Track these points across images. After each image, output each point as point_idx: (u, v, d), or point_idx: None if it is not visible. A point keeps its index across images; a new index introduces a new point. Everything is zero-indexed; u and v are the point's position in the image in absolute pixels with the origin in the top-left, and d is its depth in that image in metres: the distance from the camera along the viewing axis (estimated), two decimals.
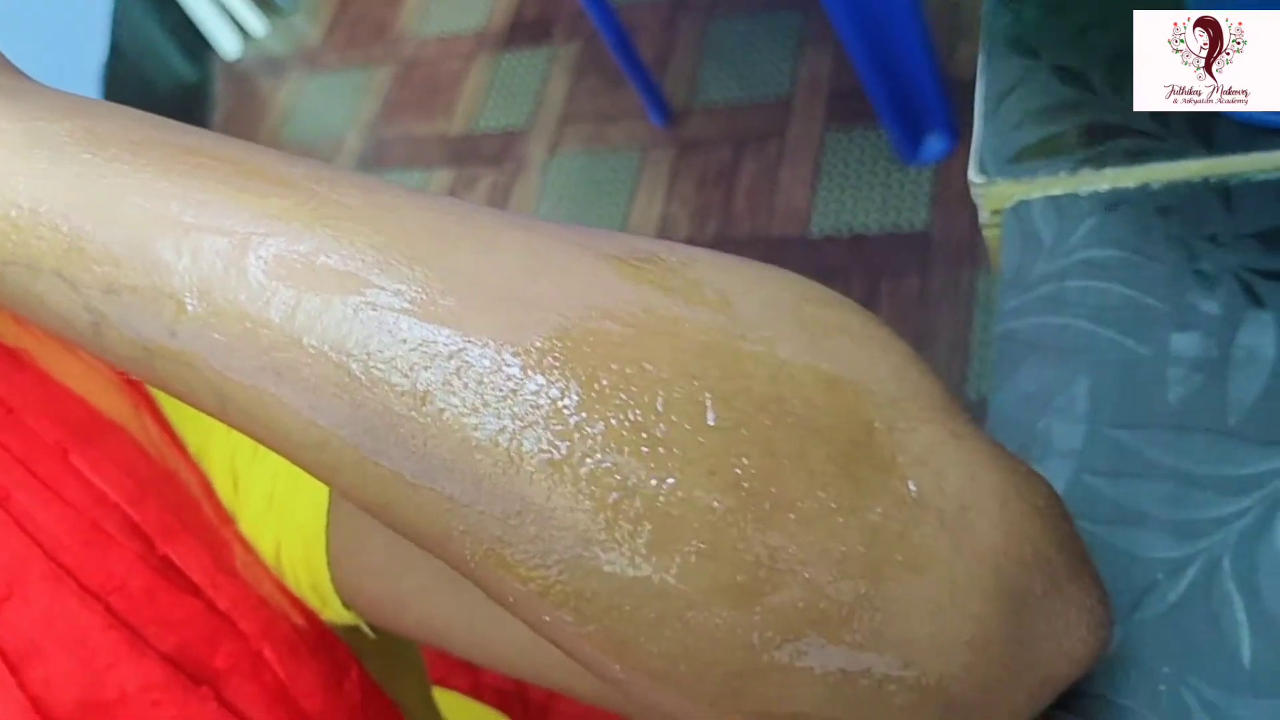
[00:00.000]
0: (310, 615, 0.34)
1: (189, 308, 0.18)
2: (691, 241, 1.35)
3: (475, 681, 0.56)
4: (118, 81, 1.66)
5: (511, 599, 0.19)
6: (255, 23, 1.91)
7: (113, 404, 0.32)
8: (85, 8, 1.66)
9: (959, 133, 1.21)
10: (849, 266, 1.22)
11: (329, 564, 0.33)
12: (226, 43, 1.89)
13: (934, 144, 1.23)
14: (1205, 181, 0.33)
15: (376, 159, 1.64)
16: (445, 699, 0.51)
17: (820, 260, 1.24)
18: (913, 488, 0.19)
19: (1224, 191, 0.33)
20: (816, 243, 1.26)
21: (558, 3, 1.65)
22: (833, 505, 0.18)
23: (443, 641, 0.32)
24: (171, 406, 0.34)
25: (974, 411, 0.32)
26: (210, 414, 0.20)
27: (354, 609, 0.34)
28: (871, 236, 1.23)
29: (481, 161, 1.55)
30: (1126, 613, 0.28)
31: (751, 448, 0.18)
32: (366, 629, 0.35)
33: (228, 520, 0.33)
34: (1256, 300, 0.30)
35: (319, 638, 0.34)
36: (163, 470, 0.32)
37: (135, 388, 0.33)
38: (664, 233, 1.35)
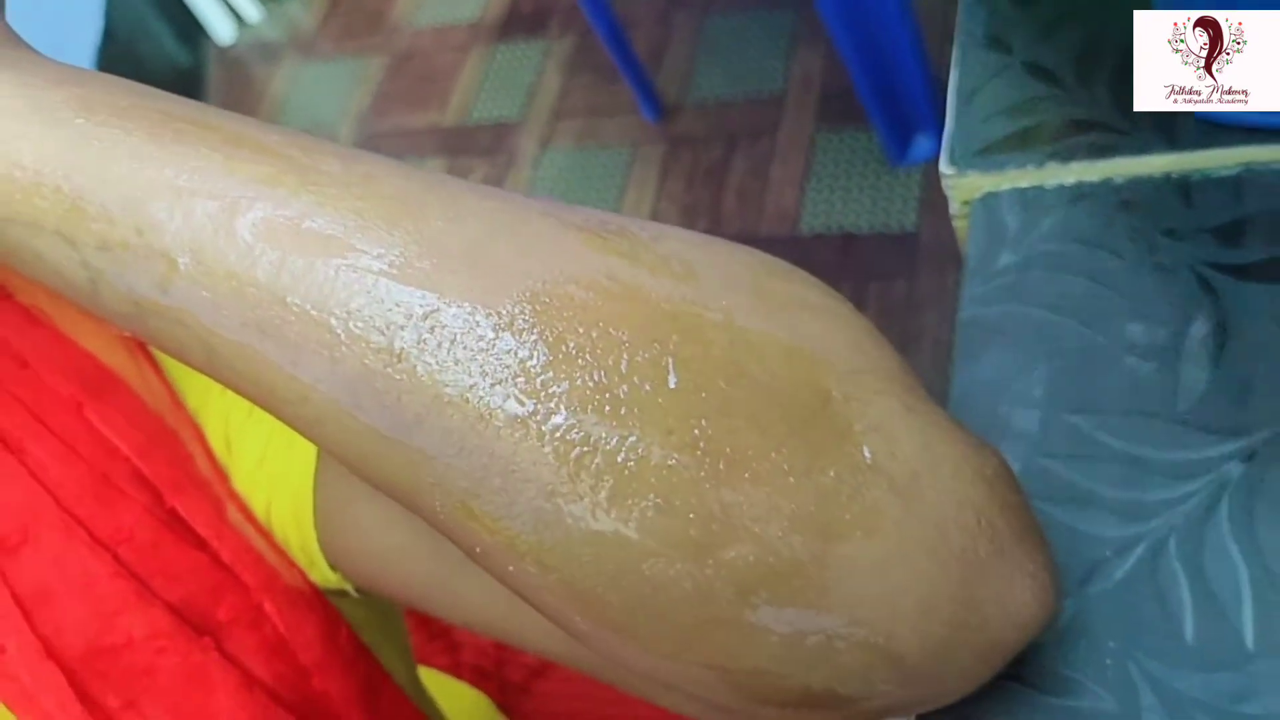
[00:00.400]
0: (303, 574, 0.35)
1: (180, 266, 0.19)
2: None
3: (455, 660, 0.56)
4: (111, 66, 1.66)
5: (479, 550, 0.20)
6: (250, 8, 1.91)
7: (118, 360, 0.33)
8: None
9: None
10: (837, 267, 1.23)
11: (315, 523, 0.33)
12: (221, 28, 1.89)
13: (922, 145, 1.24)
14: (1167, 177, 0.34)
15: (370, 149, 1.63)
16: (425, 676, 0.51)
17: (808, 260, 1.25)
18: (867, 454, 0.20)
19: (1184, 187, 0.34)
20: (805, 242, 1.27)
21: None
22: (786, 466, 0.19)
23: (423, 602, 0.33)
24: (171, 365, 0.35)
25: (949, 399, 0.33)
26: (199, 369, 0.21)
27: (339, 570, 0.34)
28: (860, 237, 1.24)
29: (474, 153, 1.56)
30: (1076, 588, 0.29)
31: (709, 409, 0.19)
32: (352, 590, 0.35)
33: (223, 477, 0.34)
34: (1210, 292, 0.31)
35: (315, 593, 0.35)
36: (165, 425, 0.33)
37: (138, 345, 0.34)
38: None
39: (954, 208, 0.37)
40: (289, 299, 0.19)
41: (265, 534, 0.34)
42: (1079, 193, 0.35)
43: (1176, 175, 0.34)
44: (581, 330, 0.19)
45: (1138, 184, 0.34)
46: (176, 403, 0.34)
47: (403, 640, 0.44)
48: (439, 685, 0.52)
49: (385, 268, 0.19)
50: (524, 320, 0.18)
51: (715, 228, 1.32)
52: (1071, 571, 0.29)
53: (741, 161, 1.36)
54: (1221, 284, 0.31)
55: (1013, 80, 0.37)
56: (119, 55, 1.69)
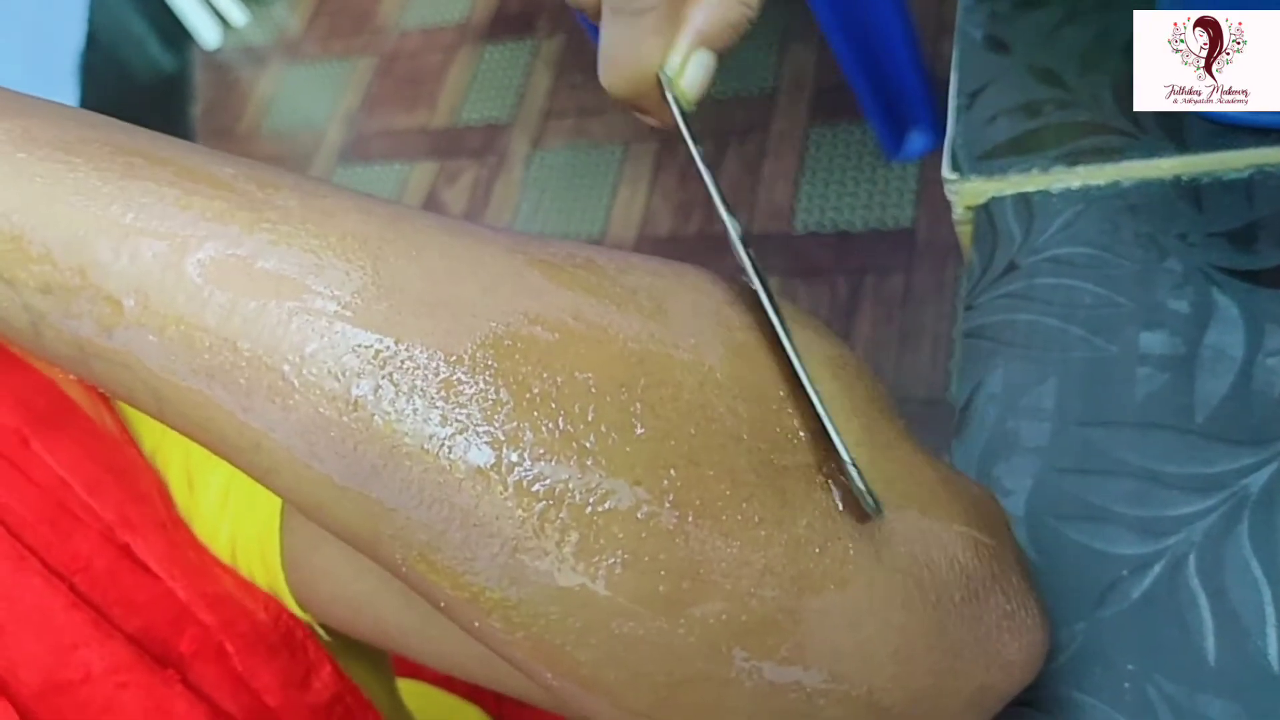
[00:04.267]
0: (272, 608, 0.34)
1: (126, 309, 0.18)
2: (674, 236, 1.34)
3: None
4: (95, 71, 1.64)
5: (443, 604, 0.19)
6: (235, 12, 1.89)
7: (76, 393, 0.32)
8: None
9: (943, 129, 1.21)
10: (833, 263, 1.22)
11: (283, 565, 0.32)
12: (206, 32, 1.87)
13: (917, 140, 1.23)
14: (1176, 180, 0.33)
15: (358, 152, 1.63)
16: (416, 690, 0.50)
17: (804, 257, 1.24)
18: (838, 499, 0.20)
19: (1194, 190, 0.33)
20: (800, 239, 1.26)
21: None
22: (756, 517, 0.19)
23: (396, 646, 0.32)
24: (128, 406, 0.34)
25: (955, 412, 0.32)
26: (148, 413, 0.20)
27: (309, 610, 0.33)
28: (856, 233, 1.23)
29: (464, 155, 1.54)
30: (1092, 608, 0.28)
31: (678, 458, 0.18)
32: (321, 631, 0.34)
33: (180, 522, 0.33)
34: (1225, 299, 0.30)
35: (283, 635, 0.33)
36: (121, 462, 0.32)
37: (91, 385, 0.33)
38: (646, 227, 1.35)
39: (957, 213, 0.36)
40: (240, 343, 0.18)
41: (230, 574, 0.33)
42: (1086, 197, 0.34)
43: (1186, 178, 0.33)
44: (546, 375, 0.18)
45: (1146, 187, 0.33)
46: (134, 446, 0.33)
47: (383, 664, 0.43)
48: (432, 700, 0.51)
49: (341, 310, 0.18)
50: (486, 365, 0.18)
51: (709, 225, 1.31)
52: (1087, 591, 0.28)
53: (734, 158, 1.35)
54: (1236, 290, 0.30)
55: (1014, 82, 0.36)
56: (102, 61, 1.67)
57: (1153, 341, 0.31)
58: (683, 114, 0.24)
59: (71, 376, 0.32)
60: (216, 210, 0.19)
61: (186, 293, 0.18)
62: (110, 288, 0.18)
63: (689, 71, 0.24)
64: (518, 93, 1.57)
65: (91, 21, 1.66)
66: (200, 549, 0.33)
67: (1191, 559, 0.27)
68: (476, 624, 0.19)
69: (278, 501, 0.32)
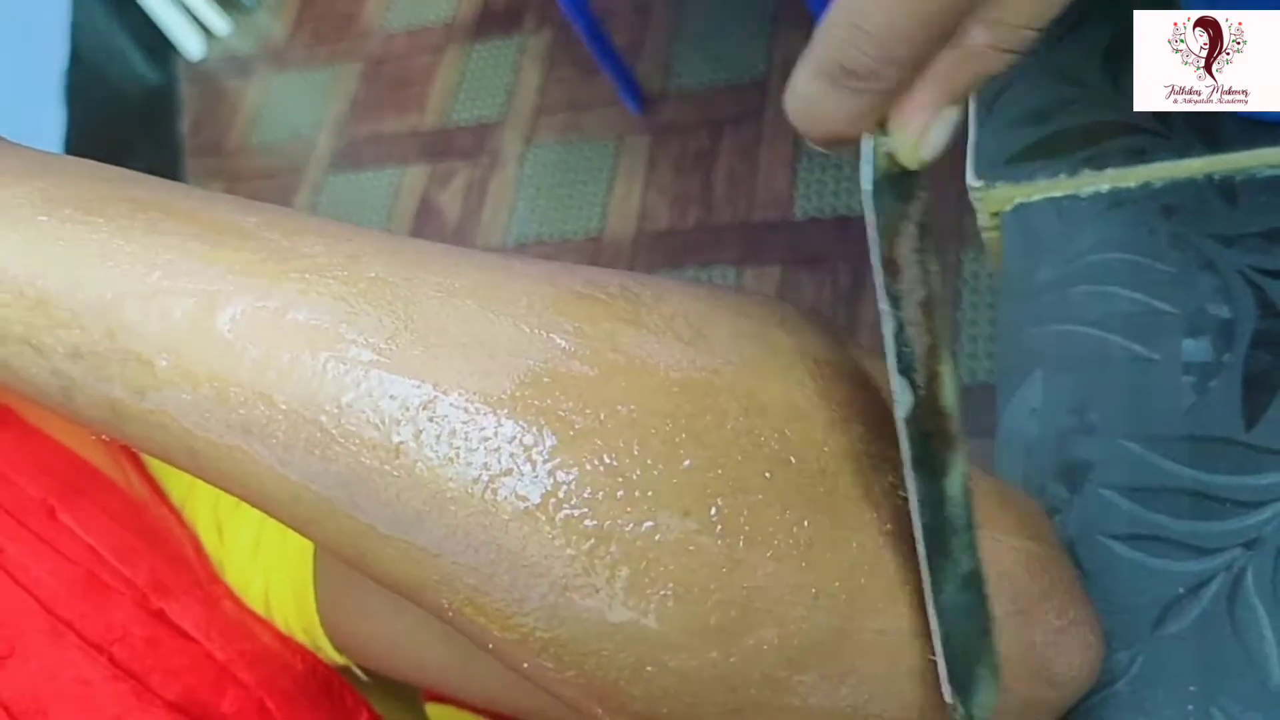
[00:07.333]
0: (309, 659, 0.33)
1: (158, 369, 0.18)
2: (672, 230, 1.33)
3: None
4: (81, 90, 1.63)
5: (491, 645, 0.19)
6: (218, 21, 1.87)
7: (98, 457, 0.32)
8: (43, 13, 1.62)
9: None
10: (833, 250, 1.21)
11: (318, 608, 0.32)
12: (190, 43, 1.86)
13: None
14: (1209, 179, 0.32)
15: (349, 158, 1.61)
16: (442, 714, 0.50)
17: (804, 244, 1.23)
18: (889, 517, 0.19)
19: (1228, 188, 0.32)
20: (800, 225, 1.25)
21: None
22: (807, 540, 0.18)
23: (437, 684, 0.32)
24: (154, 460, 0.33)
25: (964, 396, 0.31)
26: (184, 470, 0.20)
27: (346, 652, 0.33)
28: (856, 218, 1.22)
29: (456, 155, 1.53)
30: (1150, 629, 0.27)
31: (725, 487, 0.18)
32: (359, 672, 0.34)
33: (215, 578, 0.32)
34: (1267, 302, 0.30)
35: (321, 686, 0.33)
36: (151, 524, 0.31)
37: (115, 443, 0.33)
38: (643, 221, 1.34)
39: (982, 220, 0.35)
40: (275, 397, 0.18)
41: (267, 627, 0.32)
42: (1116, 200, 0.33)
43: (1219, 176, 0.32)
44: (589, 410, 0.18)
45: (1178, 187, 0.32)
46: (164, 502, 0.32)
47: (415, 702, 0.42)
48: None
49: (376, 357, 0.18)
50: (527, 404, 0.17)
51: (707, 216, 1.30)
52: (1144, 612, 0.27)
53: (729, 148, 1.34)
54: (1278, 292, 0.30)
55: (1035, 84, 0.36)
56: (88, 79, 1.65)
57: (1195, 349, 0.30)
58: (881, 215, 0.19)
59: (95, 439, 0.32)
60: (243, 262, 0.18)
61: (218, 349, 0.18)
62: (141, 349, 0.18)
63: (932, 136, 0.18)
64: (507, 90, 1.55)
65: (74, 39, 1.64)
66: (236, 603, 0.32)
67: (1250, 574, 0.27)
68: (526, 664, 0.18)
69: (310, 546, 0.32)
